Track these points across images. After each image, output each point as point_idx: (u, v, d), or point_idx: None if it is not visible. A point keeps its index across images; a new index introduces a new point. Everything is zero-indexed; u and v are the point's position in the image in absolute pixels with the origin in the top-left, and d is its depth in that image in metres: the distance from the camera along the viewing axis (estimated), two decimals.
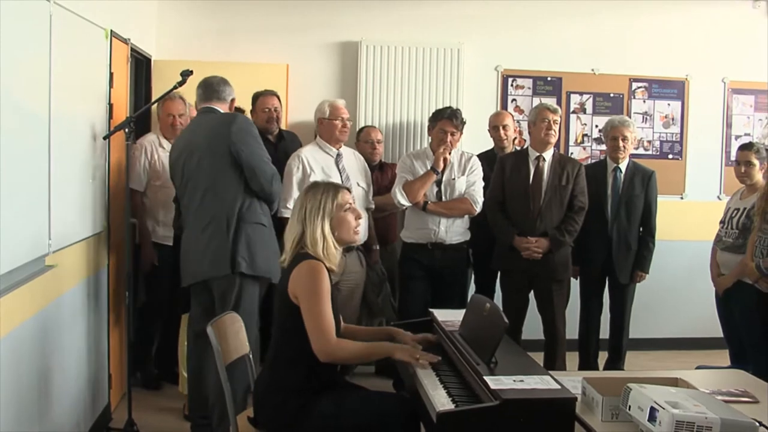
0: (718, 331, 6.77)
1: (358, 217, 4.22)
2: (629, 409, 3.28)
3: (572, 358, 6.93)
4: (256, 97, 7.06)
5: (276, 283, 4.96)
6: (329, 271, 4.05)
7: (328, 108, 6.46)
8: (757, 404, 3.85)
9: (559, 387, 3.54)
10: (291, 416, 3.95)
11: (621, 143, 6.81)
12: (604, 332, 7.12)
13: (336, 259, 4.08)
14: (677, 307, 8.48)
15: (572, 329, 6.90)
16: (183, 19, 7.72)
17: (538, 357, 6.43)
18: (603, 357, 7.16)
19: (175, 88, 5.68)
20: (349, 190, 4.25)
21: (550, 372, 3.88)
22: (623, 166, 6.87)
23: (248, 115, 6.78)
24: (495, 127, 7.21)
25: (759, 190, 6.19)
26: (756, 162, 6.37)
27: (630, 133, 6.84)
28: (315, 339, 3.91)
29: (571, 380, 3.80)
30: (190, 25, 7.72)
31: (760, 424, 3.12)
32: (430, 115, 6.64)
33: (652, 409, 3.10)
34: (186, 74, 5.51)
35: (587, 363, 7.00)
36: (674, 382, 3.70)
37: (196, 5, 7.75)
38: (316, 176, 6.09)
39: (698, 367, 6.71)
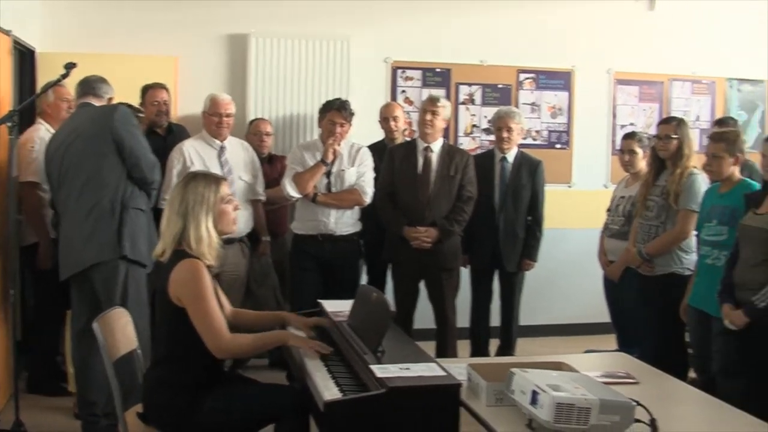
0: (606, 317, 6.93)
1: (236, 208, 4.20)
2: (512, 394, 3.33)
3: (464, 346, 7.02)
4: (145, 90, 7.00)
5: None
6: (208, 267, 4.01)
7: (209, 102, 6.51)
8: (637, 385, 3.95)
9: (444, 374, 3.58)
10: (180, 413, 3.90)
11: (507, 134, 6.89)
12: (496, 320, 7.21)
13: (215, 254, 4.04)
14: (567, 294, 8.64)
15: (464, 318, 6.99)
16: (70, 10, 7.55)
17: (430, 346, 6.51)
18: (495, 345, 7.26)
19: (58, 80, 5.57)
20: (225, 179, 4.22)
21: (438, 360, 3.93)
22: (510, 156, 6.96)
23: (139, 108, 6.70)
24: (385, 118, 7.25)
25: (641, 178, 6.34)
26: (639, 151, 6.52)
27: (516, 124, 6.93)
28: (208, 339, 3.87)
29: (458, 367, 3.84)
30: (76, 17, 7.56)
31: (638, 403, 3.20)
32: (320, 106, 6.65)
33: (534, 393, 3.15)
34: (70, 67, 5.40)
35: (478, 350, 7.09)
36: (558, 366, 3.77)
37: None
38: (196, 169, 6.05)
39: (586, 351, 6.86)
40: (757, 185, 5.36)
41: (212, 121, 6.45)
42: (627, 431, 3.16)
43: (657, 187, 6.09)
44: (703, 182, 5.90)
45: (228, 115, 6.48)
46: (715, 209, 5.50)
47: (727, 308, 5.02)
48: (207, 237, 3.97)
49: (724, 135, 5.66)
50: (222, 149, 6.44)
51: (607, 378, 3.95)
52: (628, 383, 3.96)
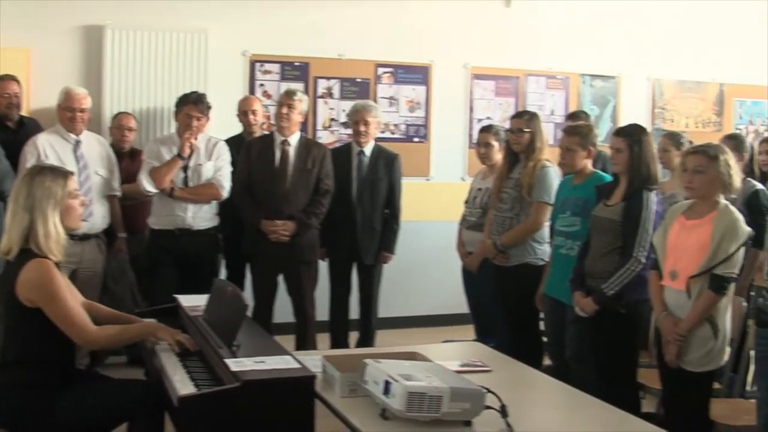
0: (466, 307, 7.03)
1: (83, 203, 4.12)
2: (366, 384, 3.35)
3: (325, 339, 7.04)
4: None
5: None
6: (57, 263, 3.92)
7: (63, 96, 6.38)
8: (490, 373, 4.02)
9: (299, 366, 3.59)
10: (34, 415, 3.81)
11: (364, 128, 6.91)
12: (355, 313, 7.24)
13: (62, 251, 3.95)
14: (426, 286, 8.73)
15: (323, 311, 7.01)
16: None
17: (291, 339, 6.52)
18: (355, 337, 7.29)
19: None
20: (73, 174, 4.13)
21: (295, 352, 3.94)
22: (368, 149, 6.99)
23: None
24: (244, 111, 7.22)
25: (497, 171, 6.45)
26: (495, 144, 6.63)
27: (373, 118, 6.96)
28: (74, 334, 3.81)
29: (313, 359, 3.85)
30: None
31: (488, 390, 3.26)
32: (176, 100, 6.58)
33: (387, 383, 3.18)
34: None
35: (338, 343, 7.11)
36: (412, 356, 3.82)
37: None
38: (50, 163, 5.92)
39: (444, 342, 6.95)
40: (609, 177, 5.53)
41: (65, 116, 6.31)
42: (478, 418, 3.22)
43: (511, 179, 6.21)
44: (555, 175, 6.05)
45: (83, 110, 6.34)
46: (568, 201, 5.65)
47: (578, 296, 5.17)
48: (55, 233, 3.88)
49: (577, 129, 5.82)
50: (77, 143, 6.30)
51: (461, 367, 4.02)
52: (481, 371, 4.03)
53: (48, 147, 6.18)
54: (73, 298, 3.92)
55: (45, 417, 3.80)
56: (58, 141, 6.26)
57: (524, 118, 6.26)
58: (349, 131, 7.63)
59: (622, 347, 5.12)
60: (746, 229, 4.53)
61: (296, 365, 3.60)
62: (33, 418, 3.81)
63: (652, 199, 5.06)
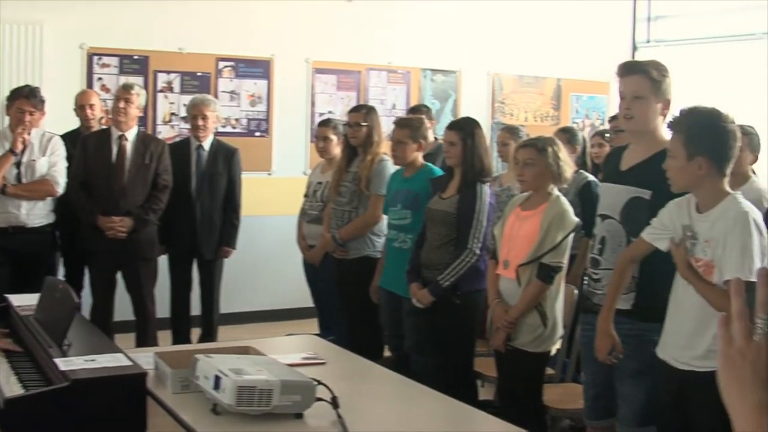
0: (310, 301, 7.07)
1: None
2: (197, 380, 3.34)
3: (167, 337, 6.97)
4: None
5: None
6: None
7: None
8: (323, 365, 4.06)
9: (130, 363, 3.54)
10: None
11: (202, 122, 6.86)
12: (198, 309, 7.19)
13: None
14: (270, 280, 8.71)
15: (165, 307, 6.94)
16: None
17: (132, 337, 6.44)
18: (197, 333, 7.24)
19: None
20: None
21: (127, 350, 3.89)
22: (207, 144, 6.94)
23: None
24: (81, 106, 7.05)
25: (336, 164, 6.50)
26: (333, 137, 6.68)
27: (211, 112, 6.90)
28: None
29: (146, 356, 3.82)
30: None
31: (319, 382, 3.29)
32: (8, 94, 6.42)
33: (217, 377, 3.18)
34: None
35: (180, 340, 7.04)
36: (245, 351, 3.83)
37: None
38: None
39: (287, 335, 6.96)
40: (439, 170, 5.64)
41: None
42: (310, 410, 3.25)
43: (349, 173, 6.26)
44: (392, 168, 6.13)
45: None
46: (399, 193, 5.73)
47: (415, 287, 5.26)
48: None
49: (408, 121, 5.92)
50: None
51: (296, 360, 4.04)
52: (315, 364, 4.06)
53: None
54: None
55: None
56: None
57: (361, 112, 6.32)
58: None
59: (459, 337, 5.24)
60: (574, 219, 4.69)
61: (127, 363, 3.54)
62: None
63: (486, 191, 5.19)
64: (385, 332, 6.09)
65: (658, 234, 3.77)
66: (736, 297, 1.35)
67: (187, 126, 7.80)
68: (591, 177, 6.44)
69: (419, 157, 5.78)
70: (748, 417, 1.33)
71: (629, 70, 4.09)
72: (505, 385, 4.98)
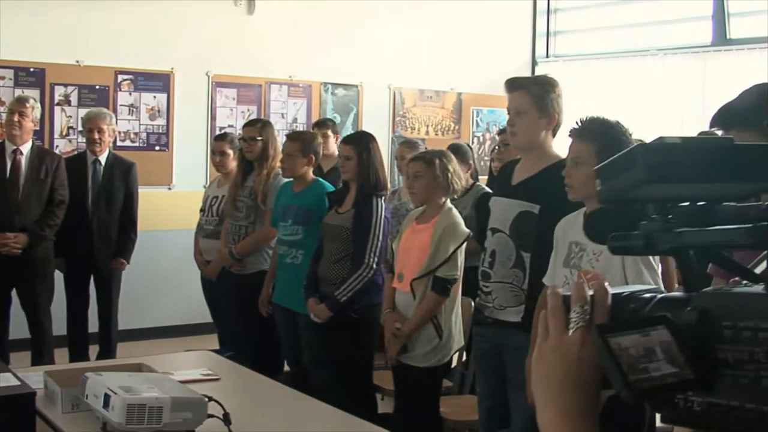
0: (210, 316, 7.03)
1: None
2: (87, 398, 3.31)
3: (65, 354, 6.86)
4: None
5: None
6: None
7: None
8: (218, 381, 4.06)
9: (18, 383, 3.49)
10: None
11: (98, 135, 6.78)
12: (95, 325, 7.09)
13: None
14: (170, 295, 8.62)
15: (62, 324, 6.83)
16: None
17: (28, 355, 6.34)
18: (96, 351, 7.14)
19: None
20: None
21: (15, 369, 3.83)
22: (103, 158, 6.86)
23: None
24: None
25: (231, 179, 6.48)
26: (230, 152, 6.66)
27: (107, 126, 6.84)
28: None
29: (37, 375, 3.77)
30: None
31: (210, 398, 3.28)
32: None
33: (107, 396, 3.15)
34: None
35: (77, 357, 6.94)
36: (138, 368, 3.80)
37: None
38: None
39: (186, 351, 6.91)
40: (329, 185, 5.69)
41: None
42: (201, 427, 3.24)
43: (245, 188, 6.25)
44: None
45: None
46: (290, 209, 5.72)
47: (312, 302, 5.27)
48: None
49: (299, 135, 5.98)
50: None
51: (188, 376, 4.02)
52: (209, 380, 4.05)
53: None
54: None
55: None
56: None
57: (256, 126, 6.34)
58: None
59: (357, 351, 5.26)
60: (464, 230, 4.75)
61: (16, 382, 3.49)
62: None
63: (381, 205, 5.23)
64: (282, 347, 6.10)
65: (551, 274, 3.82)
66: (552, 296, 1.28)
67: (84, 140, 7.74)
68: (487, 189, 6.53)
69: (309, 171, 5.79)
70: (555, 421, 1.25)
71: (512, 86, 4.18)
72: (401, 398, 5.01)
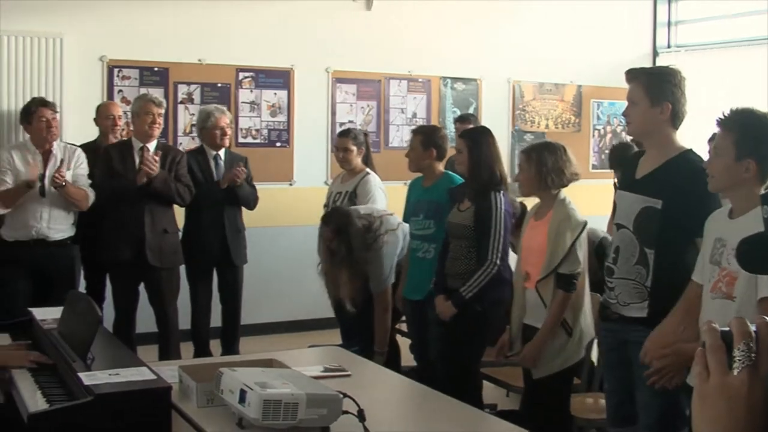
0: (331, 311, 7.03)
1: None
2: (222, 393, 3.31)
3: (188, 348, 6.95)
4: None
5: None
6: None
7: None
8: (348, 377, 4.03)
9: (154, 377, 3.52)
10: None
11: (230, 131, 6.98)
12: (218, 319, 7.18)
13: None
14: (292, 290, 8.65)
15: (184, 318, 6.92)
16: None
17: (153, 349, 6.43)
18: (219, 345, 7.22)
19: None
20: None
21: (151, 363, 3.87)
22: (222, 153, 6.98)
23: None
24: (105, 117, 7.07)
25: (358, 174, 6.49)
26: (353, 148, 6.66)
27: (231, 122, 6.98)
28: None
29: (171, 370, 3.80)
30: None
31: (344, 395, 3.26)
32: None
33: (242, 391, 3.15)
34: None
35: (201, 351, 7.00)
36: (269, 363, 3.80)
37: None
38: None
39: (310, 347, 6.92)
40: (459, 178, 5.61)
41: None
42: (336, 423, 3.22)
43: None
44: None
45: None
46: (420, 203, 5.71)
47: (440, 300, 5.23)
48: None
49: (420, 128, 6.12)
50: None
51: (320, 372, 4.02)
52: (340, 376, 4.03)
53: None
54: None
55: None
56: None
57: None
58: None
59: (474, 344, 5.21)
60: (580, 220, 4.64)
61: (152, 376, 3.52)
62: None
63: (500, 199, 5.14)
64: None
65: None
66: (710, 332, 1.19)
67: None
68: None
69: (437, 165, 5.75)
70: None
71: (627, 77, 4.17)
72: (530, 396, 4.93)
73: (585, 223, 4.68)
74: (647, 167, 4.08)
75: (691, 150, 4.02)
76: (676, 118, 4.02)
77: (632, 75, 4.15)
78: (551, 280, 4.57)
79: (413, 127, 6.30)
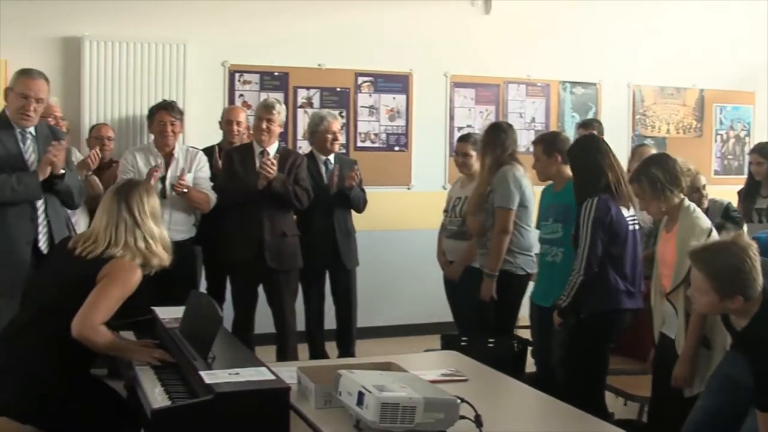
0: (449, 316, 7.01)
1: None
2: (340, 395, 3.33)
3: (303, 350, 7.00)
4: None
5: None
6: None
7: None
8: (465, 382, 4.01)
9: (273, 378, 3.55)
10: (38, 402, 3.85)
11: (340, 136, 7.02)
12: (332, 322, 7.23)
13: None
14: (408, 294, 8.69)
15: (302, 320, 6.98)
16: None
17: (270, 350, 6.49)
18: (335, 347, 7.26)
19: None
20: None
21: (270, 364, 3.91)
22: (332, 157, 7.03)
23: None
24: (229, 121, 7.20)
25: (476, 179, 6.46)
26: (473, 153, 6.63)
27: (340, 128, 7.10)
28: (84, 314, 3.83)
29: (289, 371, 3.83)
30: None
31: (462, 400, 3.24)
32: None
33: (360, 394, 3.16)
34: None
35: (316, 353, 7.05)
36: (387, 367, 3.80)
37: None
38: None
39: (426, 351, 6.92)
40: None
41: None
42: (452, 428, 3.21)
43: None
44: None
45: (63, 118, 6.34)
46: (551, 208, 5.69)
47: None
48: None
49: (540, 137, 6.02)
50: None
51: (437, 377, 4.00)
52: (457, 381, 4.02)
53: None
54: (120, 301, 3.99)
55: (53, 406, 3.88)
56: None
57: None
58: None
59: (591, 352, 5.13)
60: (705, 226, 4.54)
61: (271, 377, 3.55)
62: (40, 404, 3.87)
63: (591, 206, 5.04)
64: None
65: None
66: None
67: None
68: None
69: (564, 170, 5.67)
70: None
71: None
72: (658, 408, 4.84)
73: (710, 230, 4.57)
74: None
75: None
76: None
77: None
78: (682, 291, 4.47)
79: (532, 133, 6.26)
